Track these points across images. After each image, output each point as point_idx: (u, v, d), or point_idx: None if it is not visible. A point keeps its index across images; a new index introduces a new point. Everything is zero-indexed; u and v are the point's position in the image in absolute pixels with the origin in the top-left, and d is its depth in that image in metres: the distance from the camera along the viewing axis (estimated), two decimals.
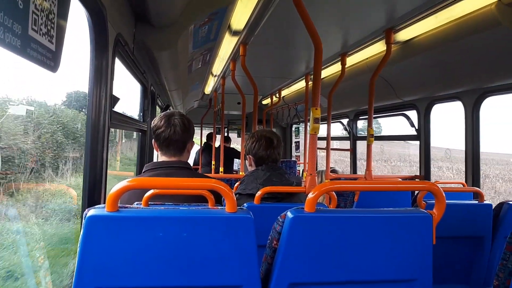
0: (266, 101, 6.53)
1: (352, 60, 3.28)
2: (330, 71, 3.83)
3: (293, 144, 7.43)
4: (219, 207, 1.21)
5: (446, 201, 1.27)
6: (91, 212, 1.04)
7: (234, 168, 7.15)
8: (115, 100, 1.86)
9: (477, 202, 2.19)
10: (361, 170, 4.87)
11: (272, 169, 2.05)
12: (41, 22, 0.97)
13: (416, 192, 2.87)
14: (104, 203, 1.07)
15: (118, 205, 1.07)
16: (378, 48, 2.92)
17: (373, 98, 2.84)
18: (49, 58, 1.04)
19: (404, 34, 2.58)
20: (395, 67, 2.96)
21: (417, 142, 3.59)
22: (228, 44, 2.96)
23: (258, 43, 2.86)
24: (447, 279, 2.17)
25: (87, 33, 1.60)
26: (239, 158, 6.27)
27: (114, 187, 1.05)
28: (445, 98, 3.23)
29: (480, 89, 2.80)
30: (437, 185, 1.27)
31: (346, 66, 3.21)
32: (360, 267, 1.20)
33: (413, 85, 3.17)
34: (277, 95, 5.65)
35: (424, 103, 3.43)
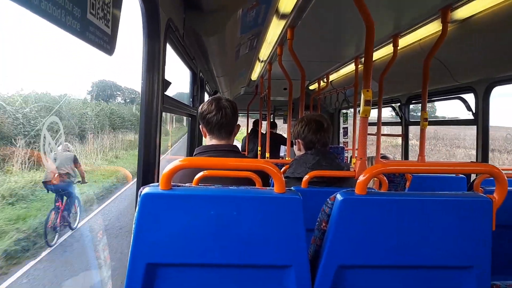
0: (313, 86, 6.44)
1: (404, 41, 3.14)
2: (381, 53, 3.70)
3: (341, 130, 7.29)
4: (268, 188, 1.22)
5: (508, 187, 1.20)
6: (146, 190, 1.08)
7: (280, 154, 7.14)
8: (167, 84, 1.91)
9: None
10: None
11: (322, 153, 2.03)
12: (98, 7, 1.01)
13: (473, 179, 2.73)
14: (158, 183, 1.11)
15: (171, 183, 1.10)
16: (432, 28, 2.77)
17: (427, 80, 2.71)
18: (106, 42, 1.08)
19: (462, 12, 2.42)
20: (452, 48, 2.80)
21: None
22: (275, 28, 2.94)
23: (306, 26, 2.81)
24: (508, 270, 2.05)
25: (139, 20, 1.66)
26: (285, 145, 6.27)
27: (167, 166, 1.09)
28: (507, 80, 3.02)
29: None
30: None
31: (398, 48, 3.09)
32: (413, 251, 1.16)
33: (471, 67, 2.99)
34: (325, 79, 5.55)
35: (483, 86, 3.24)
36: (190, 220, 1.08)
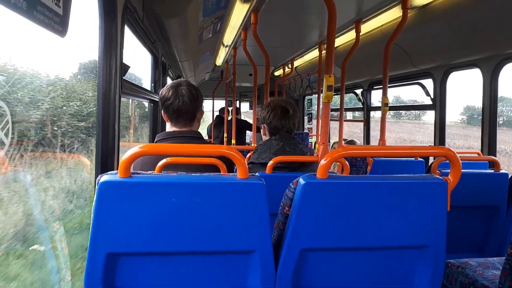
0: (278, 72, 6.44)
1: (367, 27, 3.18)
2: (344, 39, 3.73)
3: (306, 116, 7.37)
4: (231, 174, 1.21)
5: (462, 170, 1.24)
6: (104, 178, 1.04)
7: (246, 141, 7.15)
8: (125, 68, 1.84)
9: (493, 171, 2.16)
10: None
11: (286, 139, 2.03)
12: None
13: (431, 162, 2.83)
14: (116, 170, 1.07)
15: (131, 171, 1.07)
16: (394, 14, 2.82)
17: (387, 66, 2.77)
18: (57, 22, 1.02)
19: None
20: (411, 34, 2.86)
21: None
22: (239, 12, 2.89)
23: (270, 10, 2.78)
24: (461, 249, 2.16)
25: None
26: (251, 130, 6.26)
27: (126, 153, 1.05)
28: (462, 66, 3.13)
29: (499, 55, 2.70)
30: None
31: (360, 34, 3.12)
32: (373, 233, 1.19)
33: (429, 52, 3.08)
34: (290, 65, 5.56)
35: (440, 71, 3.34)
36: (150, 208, 1.05)
